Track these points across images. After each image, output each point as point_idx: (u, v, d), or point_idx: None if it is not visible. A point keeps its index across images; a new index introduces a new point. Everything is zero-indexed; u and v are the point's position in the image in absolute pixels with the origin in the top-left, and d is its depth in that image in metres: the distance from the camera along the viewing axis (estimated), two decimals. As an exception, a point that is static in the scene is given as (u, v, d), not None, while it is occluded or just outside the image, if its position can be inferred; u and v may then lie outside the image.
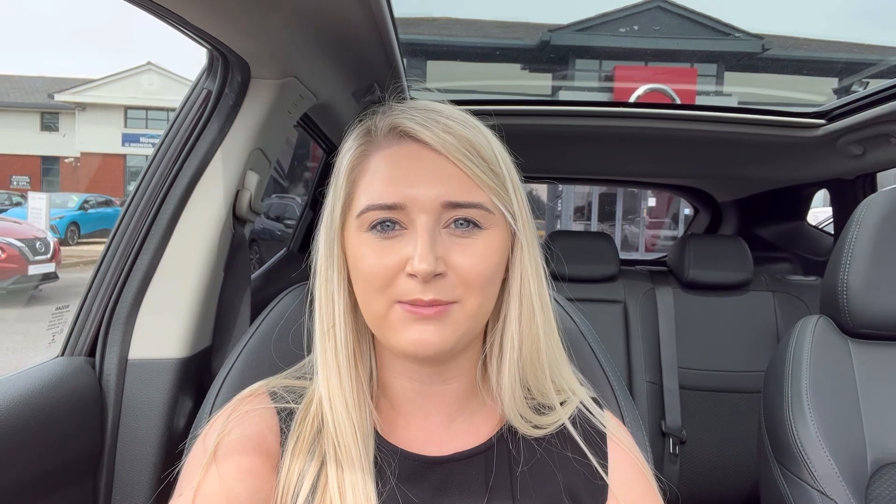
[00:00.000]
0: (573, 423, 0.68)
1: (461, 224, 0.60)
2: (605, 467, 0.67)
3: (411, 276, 0.58)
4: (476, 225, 0.61)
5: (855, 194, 2.28)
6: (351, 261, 0.63)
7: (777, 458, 1.17)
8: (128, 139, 24.33)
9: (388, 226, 0.60)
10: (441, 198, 0.59)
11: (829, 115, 1.79)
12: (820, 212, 4.76)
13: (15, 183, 24.24)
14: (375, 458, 0.63)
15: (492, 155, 0.63)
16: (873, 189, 2.27)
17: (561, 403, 0.69)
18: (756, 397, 1.42)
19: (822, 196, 2.93)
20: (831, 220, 2.62)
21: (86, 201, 15.87)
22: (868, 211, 1.23)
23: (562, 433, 0.68)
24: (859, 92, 1.70)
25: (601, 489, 0.65)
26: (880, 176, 2.25)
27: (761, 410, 1.28)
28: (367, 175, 0.63)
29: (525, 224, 0.65)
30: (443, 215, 0.60)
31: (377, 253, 0.60)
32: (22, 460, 0.78)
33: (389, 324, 0.60)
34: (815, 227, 2.99)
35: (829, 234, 2.86)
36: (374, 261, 0.60)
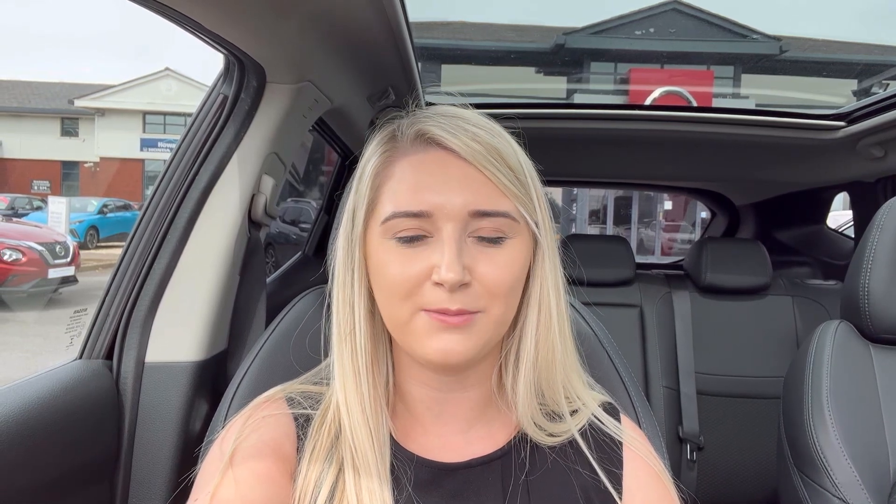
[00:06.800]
0: (584, 434, 0.67)
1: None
2: (619, 477, 0.66)
3: (437, 284, 0.58)
4: (502, 234, 0.60)
5: (875, 197, 2.24)
6: (373, 267, 0.62)
7: (797, 465, 1.15)
8: (146, 144, 24.60)
9: (414, 236, 0.60)
10: (468, 206, 0.59)
11: (849, 118, 1.76)
12: (840, 215, 4.70)
13: (35, 187, 24.58)
14: (392, 464, 0.63)
15: (517, 164, 0.62)
16: (895, 192, 2.23)
17: (572, 413, 0.68)
18: (775, 403, 1.40)
19: (842, 199, 2.89)
20: (851, 223, 2.58)
21: (105, 205, 16.12)
22: (889, 214, 1.21)
23: (574, 442, 0.67)
24: (879, 94, 1.68)
25: (612, 500, 0.65)
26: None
27: (780, 416, 1.26)
28: (391, 181, 0.62)
29: (547, 232, 0.64)
30: (469, 224, 0.59)
31: (402, 261, 0.59)
32: (40, 462, 0.78)
33: (413, 331, 0.60)
34: (835, 230, 2.95)
35: (849, 237, 2.82)
36: (398, 269, 0.59)
